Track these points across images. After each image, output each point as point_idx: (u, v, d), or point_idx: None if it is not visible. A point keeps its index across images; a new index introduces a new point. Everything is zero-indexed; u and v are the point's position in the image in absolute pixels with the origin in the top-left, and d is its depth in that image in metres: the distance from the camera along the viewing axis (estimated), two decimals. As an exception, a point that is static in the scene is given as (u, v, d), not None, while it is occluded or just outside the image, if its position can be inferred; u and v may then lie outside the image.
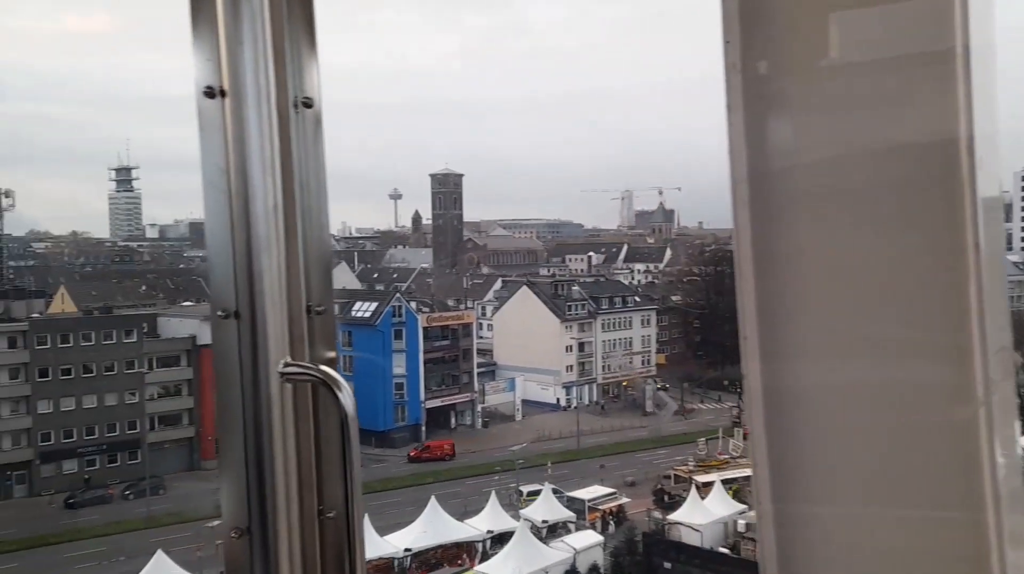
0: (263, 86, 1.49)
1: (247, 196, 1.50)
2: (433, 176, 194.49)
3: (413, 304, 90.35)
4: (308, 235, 1.57)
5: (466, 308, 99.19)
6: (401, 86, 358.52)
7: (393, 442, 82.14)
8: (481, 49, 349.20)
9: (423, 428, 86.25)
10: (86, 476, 69.46)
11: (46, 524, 62.22)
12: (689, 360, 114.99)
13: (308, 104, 1.57)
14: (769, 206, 1.75)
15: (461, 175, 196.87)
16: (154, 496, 66.63)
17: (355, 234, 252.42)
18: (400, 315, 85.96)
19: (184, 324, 78.24)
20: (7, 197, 76.14)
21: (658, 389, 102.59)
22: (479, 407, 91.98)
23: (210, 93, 1.49)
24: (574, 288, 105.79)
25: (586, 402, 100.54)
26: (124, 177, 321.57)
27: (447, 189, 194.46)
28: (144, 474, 68.01)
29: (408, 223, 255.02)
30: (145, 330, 75.75)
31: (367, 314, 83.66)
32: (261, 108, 1.49)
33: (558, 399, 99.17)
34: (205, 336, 76.45)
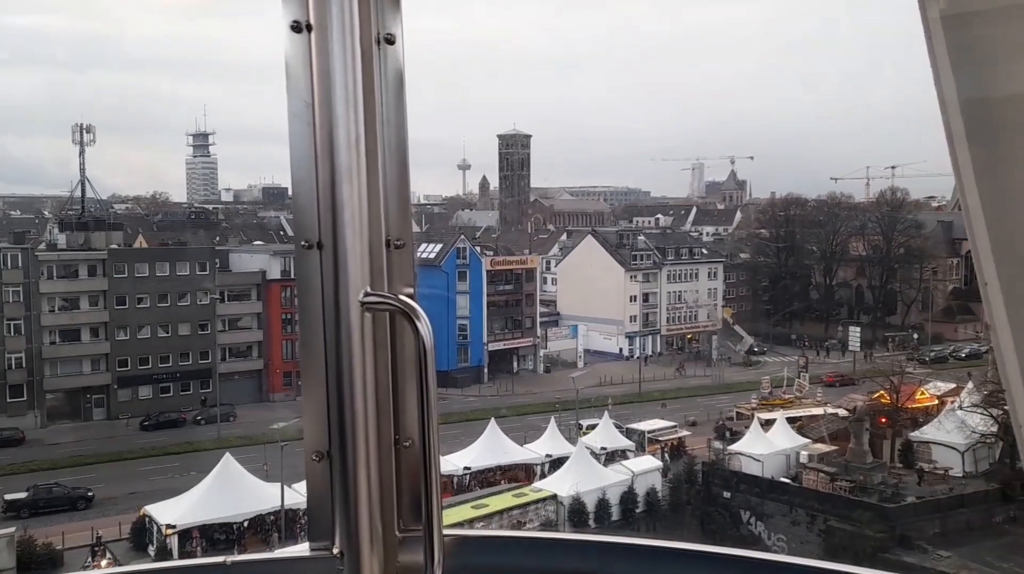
0: (347, 21, 1.51)
1: (331, 128, 1.51)
2: (501, 137, 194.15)
3: (478, 249, 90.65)
4: (388, 169, 1.58)
5: (530, 253, 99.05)
6: (472, 54, 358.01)
7: (456, 382, 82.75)
8: (556, 15, 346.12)
9: (485, 370, 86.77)
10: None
11: (122, 443, 64.87)
12: (757, 315, 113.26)
13: (390, 40, 1.57)
14: (991, 141, 1.69)
15: (529, 136, 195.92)
16: (224, 423, 68.68)
17: (423, 201, 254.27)
18: (464, 257, 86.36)
19: (255, 259, 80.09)
20: (88, 132, 78.51)
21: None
22: (541, 352, 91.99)
23: (296, 27, 1.51)
24: (639, 238, 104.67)
25: (650, 353, 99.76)
26: (201, 143, 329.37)
27: (514, 149, 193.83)
28: (215, 402, 70.11)
29: (476, 191, 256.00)
30: (218, 265, 77.69)
31: (431, 255, 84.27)
32: (345, 42, 1.50)
33: (621, 349, 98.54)
34: (275, 271, 78.31)
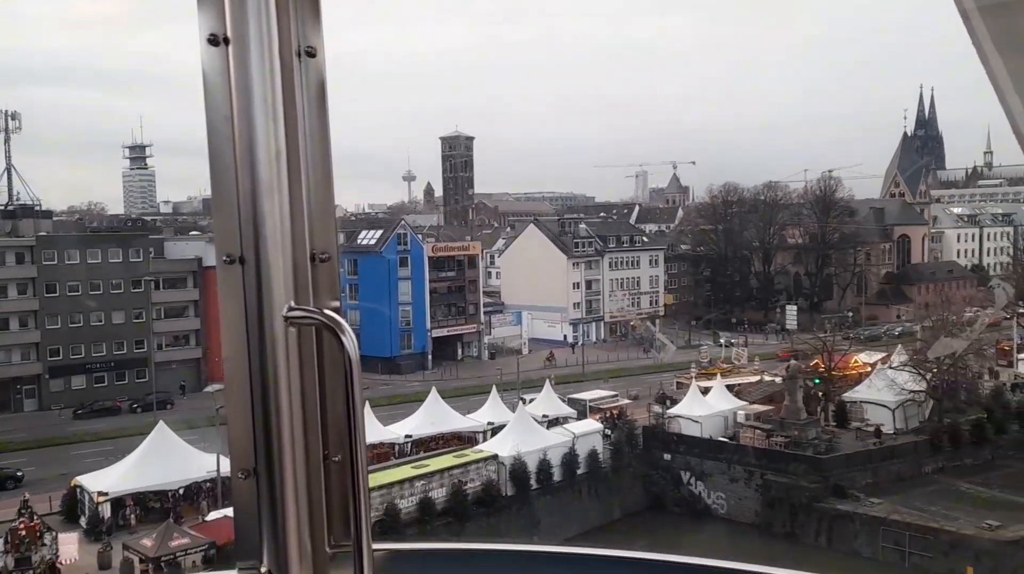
0: (265, 35, 1.49)
1: (251, 142, 1.50)
2: (443, 139, 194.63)
3: (420, 236, 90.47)
4: (312, 182, 1.57)
5: (472, 240, 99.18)
6: (414, 71, 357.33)
7: (399, 368, 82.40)
8: (493, 30, 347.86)
9: (430, 356, 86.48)
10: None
11: (55, 430, 63.07)
12: (699, 304, 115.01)
13: (311, 54, 1.56)
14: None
15: (471, 137, 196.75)
16: (161, 410, 67.15)
17: (367, 210, 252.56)
18: (405, 243, 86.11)
19: (190, 246, 78.79)
20: (13, 119, 76.47)
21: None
22: (485, 339, 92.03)
23: (214, 40, 1.50)
24: (581, 226, 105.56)
25: (593, 340, 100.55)
26: (138, 155, 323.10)
27: (457, 151, 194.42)
28: (151, 390, 68.61)
29: (421, 198, 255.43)
30: (152, 253, 76.25)
31: (372, 241, 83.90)
32: (264, 56, 1.49)
33: (565, 336, 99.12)
34: (211, 258, 77.01)
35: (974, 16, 1.71)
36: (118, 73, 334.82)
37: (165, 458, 43.39)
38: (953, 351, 58.16)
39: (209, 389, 57.38)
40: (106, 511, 41.71)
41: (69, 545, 36.28)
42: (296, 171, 1.55)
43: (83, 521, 42.35)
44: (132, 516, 42.21)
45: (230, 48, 1.50)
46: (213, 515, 39.95)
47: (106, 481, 42.54)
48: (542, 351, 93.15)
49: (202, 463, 44.10)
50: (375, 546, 1.54)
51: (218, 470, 43.54)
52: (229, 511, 34.67)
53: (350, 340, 1.46)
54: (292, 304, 1.54)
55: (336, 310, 1.57)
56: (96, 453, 57.29)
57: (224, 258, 1.54)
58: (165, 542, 35.37)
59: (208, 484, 44.25)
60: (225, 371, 1.56)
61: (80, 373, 71.09)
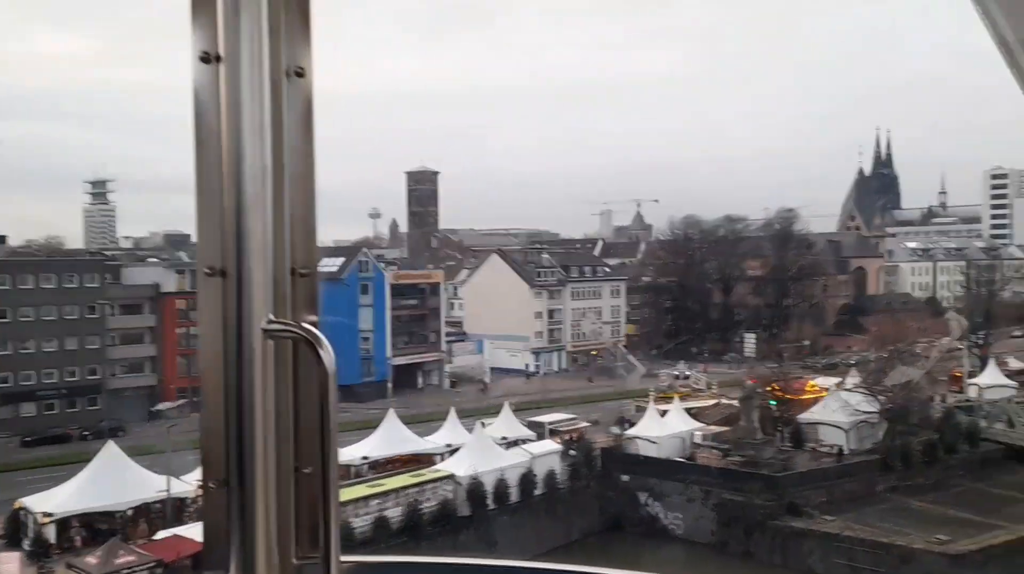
0: (256, 54, 1.54)
1: (238, 158, 1.54)
2: (409, 174, 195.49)
3: (382, 264, 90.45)
4: (294, 199, 1.62)
5: (435, 268, 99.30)
6: (380, 109, 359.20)
7: (359, 397, 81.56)
8: (460, 66, 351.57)
9: (390, 385, 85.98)
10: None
11: (1, 457, 61.47)
12: (660, 334, 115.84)
13: (300, 74, 1.62)
14: None
15: (437, 172, 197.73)
16: (113, 438, 65.82)
17: (331, 245, 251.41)
18: (367, 271, 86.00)
19: (147, 272, 77.97)
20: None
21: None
22: (447, 367, 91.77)
23: (205, 58, 1.55)
24: (543, 256, 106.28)
25: (555, 369, 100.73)
26: (99, 190, 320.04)
27: (423, 186, 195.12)
28: (103, 418, 67.35)
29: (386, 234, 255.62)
30: (108, 278, 75.32)
31: (334, 268, 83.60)
32: (254, 74, 1.54)
33: (527, 365, 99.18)
34: (169, 284, 76.32)
35: (1017, 48, 1.75)
36: (81, 109, 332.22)
37: (114, 479, 42.55)
38: (910, 379, 59.29)
39: (160, 406, 56.44)
40: (51, 533, 40.68)
41: (9, 564, 35.30)
42: (280, 187, 1.58)
43: (26, 544, 41.24)
44: (78, 537, 41.23)
45: (221, 66, 1.54)
46: (161, 534, 39.17)
47: (52, 502, 41.59)
48: (504, 380, 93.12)
49: (152, 482, 43.30)
50: (343, 558, 1.55)
51: (168, 490, 42.82)
52: (178, 530, 33.88)
53: (328, 354, 1.49)
54: (271, 317, 1.56)
55: (314, 324, 1.60)
56: (44, 479, 55.67)
57: (206, 270, 1.56)
58: (110, 559, 34.60)
59: (158, 505, 43.41)
60: (202, 382, 1.59)
61: (30, 400, 69.57)
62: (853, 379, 61.88)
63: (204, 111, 1.56)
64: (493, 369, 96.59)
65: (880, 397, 58.66)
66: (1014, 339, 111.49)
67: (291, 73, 1.61)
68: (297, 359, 1.60)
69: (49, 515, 40.73)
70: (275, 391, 1.58)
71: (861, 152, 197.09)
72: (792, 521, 48.03)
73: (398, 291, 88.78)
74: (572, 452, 54.07)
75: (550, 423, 59.80)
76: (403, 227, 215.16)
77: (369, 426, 69.38)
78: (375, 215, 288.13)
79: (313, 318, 1.63)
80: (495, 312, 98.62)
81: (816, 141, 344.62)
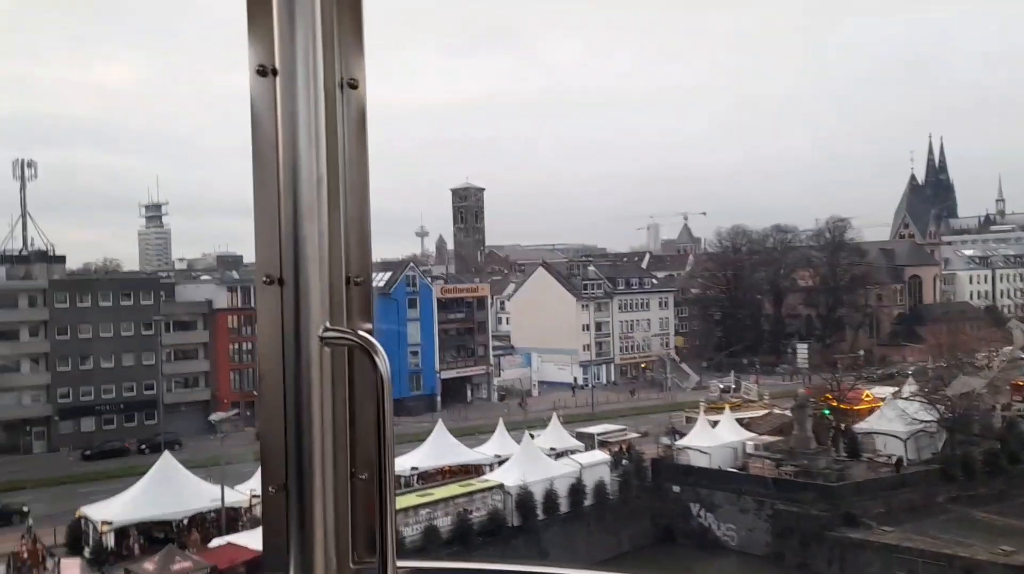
0: (311, 66, 1.57)
1: (294, 168, 1.57)
2: (454, 191, 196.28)
3: (428, 279, 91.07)
4: (349, 208, 1.65)
5: (481, 282, 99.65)
6: (425, 126, 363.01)
7: (409, 410, 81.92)
8: (504, 86, 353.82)
9: (439, 398, 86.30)
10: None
11: (63, 470, 63.08)
12: (709, 347, 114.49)
13: (353, 85, 1.66)
14: None
15: (482, 189, 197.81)
16: (170, 451, 67.10)
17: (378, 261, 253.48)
18: (414, 285, 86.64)
19: (200, 289, 79.53)
20: (29, 167, 78.24)
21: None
22: (495, 381, 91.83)
23: (262, 71, 1.59)
24: (590, 268, 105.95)
25: (603, 382, 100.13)
26: (154, 214, 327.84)
27: (468, 203, 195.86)
28: (159, 432, 68.66)
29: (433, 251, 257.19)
30: (163, 296, 77.02)
31: (381, 283, 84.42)
32: (309, 86, 1.58)
33: (575, 378, 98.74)
34: (221, 301, 77.75)
35: None
36: (134, 134, 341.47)
37: (170, 488, 43.26)
38: (971, 389, 57.64)
39: (213, 417, 57.35)
40: (110, 540, 41.53)
41: (71, 570, 36.10)
42: (335, 197, 1.61)
43: (87, 551, 42.15)
44: (136, 545, 41.99)
45: (277, 79, 1.57)
46: (216, 542, 39.72)
47: (110, 510, 42.43)
48: (552, 394, 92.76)
49: (207, 491, 43.99)
50: (399, 564, 1.56)
51: (222, 500, 43.45)
52: (232, 538, 34.37)
53: (383, 361, 1.50)
54: (328, 325, 1.58)
55: (369, 331, 1.62)
56: (104, 491, 56.90)
57: (264, 279, 1.59)
58: (167, 566, 35.14)
59: (213, 514, 44.05)
60: (260, 389, 1.62)
61: (89, 415, 71.37)
62: (910, 388, 60.37)
63: (261, 123, 1.59)
64: (541, 382, 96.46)
65: (939, 406, 57.11)
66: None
67: (345, 84, 1.64)
68: (353, 366, 1.62)
69: (108, 523, 41.57)
70: (332, 398, 1.60)
71: (913, 159, 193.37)
72: (849, 532, 46.87)
73: (445, 305, 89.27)
74: (625, 462, 53.59)
75: (599, 434, 59.36)
76: (450, 245, 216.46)
77: (419, 439, 69.47)
78: (422, 234, 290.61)
79: (368, 326, 1.65)
80: (542, 325, 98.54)
81: (868, 152, 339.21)
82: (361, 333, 1.58)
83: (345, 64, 1.64)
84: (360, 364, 1.61)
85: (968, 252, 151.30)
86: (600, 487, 50.77)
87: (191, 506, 43.54)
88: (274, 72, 1.58)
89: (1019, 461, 55.17)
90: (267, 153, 1.59)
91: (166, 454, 45.60)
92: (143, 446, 68.75)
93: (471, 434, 71.10)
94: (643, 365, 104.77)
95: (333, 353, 1.59)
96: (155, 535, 43.07)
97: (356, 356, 1.60)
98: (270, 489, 1.61)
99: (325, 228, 1.59)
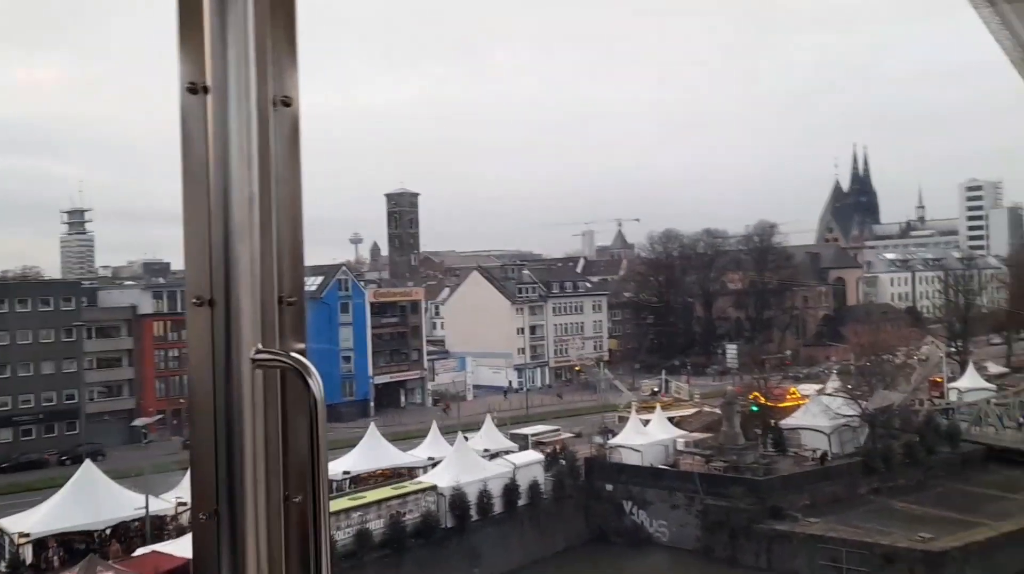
0: (243, 84, 1.56)
1: (225, 187, 1.55)
2: (389, 196, 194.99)
3: (361, 282, 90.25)
4: (281, 227, 1.63)
5: (415, 286, 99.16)
6: (364, 133, 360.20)
7: (341, 416, 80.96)
8: (440, 93, 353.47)
9: (372, 404, 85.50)
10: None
11: (-23, 484, 60.53)
12: (642, 350, 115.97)
13: (287, 103, 1.63)
14: None
15: (417, 194, 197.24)
16: (92, 462, 65.02)
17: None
18: (347, 289, 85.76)
19: (125, 294, 77.39)
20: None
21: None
22: (429, 385, 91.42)
23: (193, 89, 1.56)
24: (524, 272, 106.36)
25: (538, 385, 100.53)
26: (77, 219, 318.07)
27: (403, 207, 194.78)
28: (81, 442, 66.48)
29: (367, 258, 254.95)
30: (85, 302, 74.68)
31: (312, 287, 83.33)
32: (241, 104, 1.56)
33: (510, 382, 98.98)
34: (146, 306, 75.74)
35: None
36: (57, 140, 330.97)
37: (91, 497, 41.94)
38: (891, 403, 59.17)
39: (137, 422, 55.88)
40: (28, 553, 40.00)
41: (-16, 583, 34.60)
42: (268, 216, 1.58)
43: (2, 565, 40.52)
44: (56, 558, 40.55)
45: (209, 97, 1.55)
46: (140, 551, 38.62)
47: (28, 522, 40.92)
48: (487, 397, 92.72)
49: (130, 500, 42.75)
50: None
51: (147, 509, 42.28)
52: (158, 546, 33.38)
53: (316, 383, 1.48)
54: (260, 346, 1.56)
55: (302, 352, 1.60)
56: (22, 504, 54.71)
57: (194, 300, 1.55)
58: (87, 576, 33.96)
59: (136, 524, 42.82)
60: (190, 413, 1.59)
61: (6, 426, 68.68)
62: (834, 384, 62.14)
63: (191, 141, 1.56)
64: (476, 386, 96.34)
65: (861, 402, 58.84)
66: (993, 347, 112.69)
67: (278, 102, 1.61)
68: (285, 387, 1.59)
69: (26, 535, 40.06)
70: (264, 420, 1.57)
71: (837, 165, 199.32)
72: (776, 524, 47.98)
73: (378, 310, 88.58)
74: (563, 461, 53.89)
75: (533, 435, 59.57)
76: (384, 251, 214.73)
77: (351, 445, 68.83)
78: (356, 240, 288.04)
79: (301, 346, 1.63)
80: (477, 329, 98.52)
81: (798, 162, 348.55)
82: (294, 354, 1.56)
83: (278, 81, 1.62)
84: (293, 385, 1.58)
85: (890, 256, 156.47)
86: (534, 487, 50.93)
87: (114, 515, 42.29)
88: (205, 90, 1.55)
89: (936, 453, 57.26)
90: (197, 172, 1.56)
91: (87, 463, 44.28)
92: (64, 457, 66.43)
93: (405, 439, 70.62)
94: (577, 368, 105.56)
95: (265, 375, 1.57)
96: (76, 546, 41.60)
97: (289, 377, 1.58)
98: (200, 516, 1.57)
99: (257, 248, 1.57)
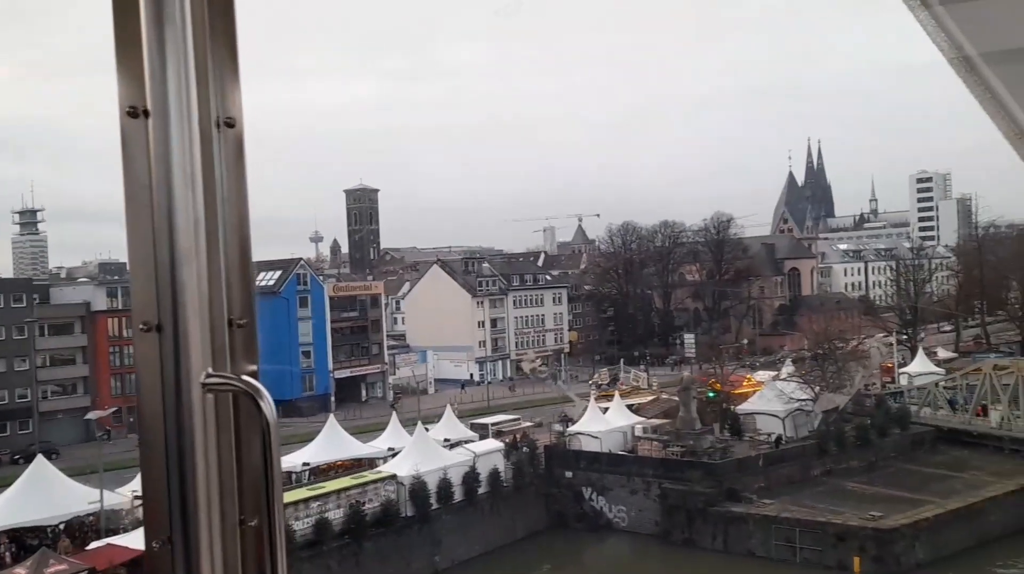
0: (184, 107, 1.53)
1: (169, 211, 1.52)
2: (348, 192, 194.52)
3: (320, 276, 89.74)
4: (229, 248, 1.60)
5: (375, 280, 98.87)
6: (320, 132, 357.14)
7: (301, 411, 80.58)
8: (398, 91, 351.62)
9: (332, 398, 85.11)
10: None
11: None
12: (603, 342, 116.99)
13: (230, 124, 1.62)
14: None
15: (376, 190, 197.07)
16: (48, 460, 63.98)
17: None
18: (305, 283, 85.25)
19: (78, 291, 76.17)
20: None
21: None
22: (390, 379, 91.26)
23: (133, 113, 1.53)
24: (484, 265, 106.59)
25: (500, 378, 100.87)
26: (29, 220, 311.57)
27: (363, 204, 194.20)
28: (34, 441, 65.33)
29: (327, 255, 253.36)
30: (36, 299, 73.36)
31: (271, 282, 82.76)
32: (183, 127, 1.53)
33: (471, 375, 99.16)
34: (100, 303, 74.62)
35: (978, 62, 1.83)
36: (7, 138, 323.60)
37: (43, 493, 41.30)
38: (836, 406, 60.16)
39: (90, 415, 55.12)
40: (-22, 550, 39.36)
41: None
42: (214, 239, 1.56)
43: (-49, 563, 39.81)
44: (7, 554, 39.93)
45: (149, 120, 1.52)
46: (95, 544, 38.21)
47: (-23, 519, 40.20)
48: (448, 391, 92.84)
49: (84, 495, 42.22)
50: None
51: (101, 503, 41.80)
52: (113, 539, 33.07)
53: (268, 405, 1.49)
54: (210, 371, 1.55)
55: (254, 375, 1.60)
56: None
57: (141, 326, 1.54)
58: (40, 570, 33.59)
59: (91, 518, 42.31)
60: (141, 440, 1.57)
61: (-44, 426, 67.32)
62: (788, 369, 63.34)
63: (133, 165, 1.54)
64: (438, 380, 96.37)
65: (814, 387, 60.09)
66: (943, 334, 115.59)
67: (221, 123, 1.60)
68: (238, 411, 1.59)
69: (-25, 532, 39.39)
70: (217, 445, 1.55)
71: (791, 157, 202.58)
72: (732, 506, 48.84)
73: (338, 304, 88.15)
74: (525, 449, 54.27)
75: (493, 424, 59.87)
76: (344, 248, 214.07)
77: (311, 439, 68.64)
78: (316, 239, 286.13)
79: (253, 367, 1.63)
80: (438, 323, 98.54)
81: (750, 159, 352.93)
82: (245, 378, 1.55)
83: (220, 102, 1.60)
84: (245, 407, 1.57)
85: (843, 246, 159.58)
86: (494, 475, 51.21)
87: (67, 510, 41.73)
88: (146, 113, 1.52)
89: (886, 435, 58.67)
90: (141, 197, 1.53)
91: (39, 458, 43.63)
92: (16, 457, 65.25)
93: (366, 432, 70.51)
94: (531, 367, 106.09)
95: (217, 399, 1.56)
96: (28, 542, 41.05)
97: (241, 401, 1.57)
98: (154, 544, 1.54)
99: (204, 271, 1.55)
